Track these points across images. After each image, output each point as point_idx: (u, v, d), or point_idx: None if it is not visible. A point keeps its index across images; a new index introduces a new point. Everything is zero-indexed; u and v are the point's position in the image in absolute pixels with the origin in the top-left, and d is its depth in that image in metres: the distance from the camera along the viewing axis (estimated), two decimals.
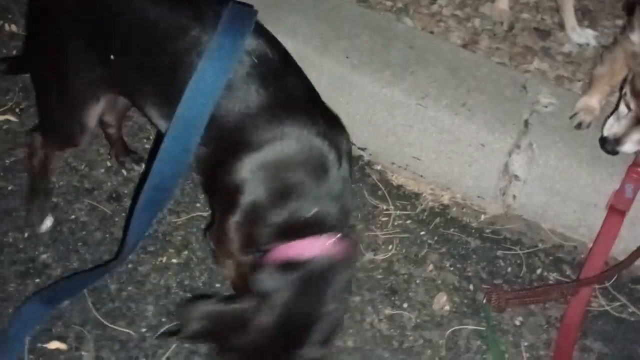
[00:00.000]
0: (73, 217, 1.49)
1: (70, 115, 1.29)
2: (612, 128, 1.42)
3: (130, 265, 1.41)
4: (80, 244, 1.45)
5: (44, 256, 1.42)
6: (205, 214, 1.51)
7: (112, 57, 1.18)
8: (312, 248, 1.09)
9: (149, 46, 1.15)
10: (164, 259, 1.43)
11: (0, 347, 1.22)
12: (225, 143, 1.11)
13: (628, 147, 1.41)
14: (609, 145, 1.42)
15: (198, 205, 1.52)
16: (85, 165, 1.58)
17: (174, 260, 1.43)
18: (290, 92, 1.15)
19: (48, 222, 1.45)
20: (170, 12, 1.14)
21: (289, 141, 1.09)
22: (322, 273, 1.09)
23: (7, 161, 1.54)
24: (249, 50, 1.12)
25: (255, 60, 1.12)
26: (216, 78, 1.09)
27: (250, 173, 1.08)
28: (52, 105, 1.31)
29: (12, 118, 1.61)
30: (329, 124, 1.14)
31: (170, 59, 1.13)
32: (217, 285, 1.39)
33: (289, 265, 1.08)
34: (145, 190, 1.16)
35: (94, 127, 1.32)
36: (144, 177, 1.33)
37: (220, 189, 1.15)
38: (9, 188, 1.49)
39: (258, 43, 1.14)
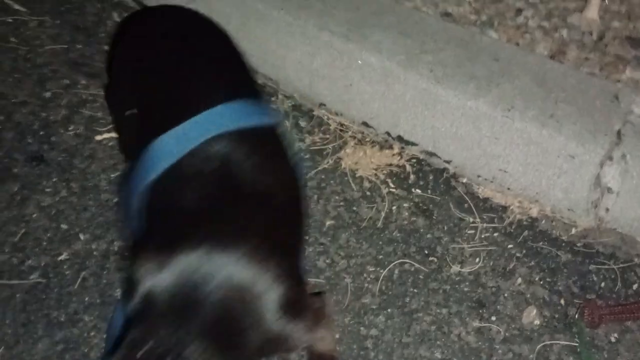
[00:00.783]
0: None
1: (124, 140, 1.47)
2: None
3: None
4: None
5: None
6: None
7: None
8: None
9: (161, 113, 1.20)
10: None
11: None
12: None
13: None
14: None
15: None
16: None
17: None
18: (224, 218, 0.99)
19: None
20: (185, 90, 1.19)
21: (183, 256, 0.93)
22: None
23: (112, 175, 1.64)
24: (218, 153, 1.04)
25: (216, 165, 1.03)
26: (158, 159, 1.06)
27: None
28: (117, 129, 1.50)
29: (116, 135, 1.72)
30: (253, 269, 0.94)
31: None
32: None
33: None
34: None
35: None
36: None
37: None
38: (114, 200, 1.60)
39: (236, 152, 1.04)
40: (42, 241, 1.50)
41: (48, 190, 1.60)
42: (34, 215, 1.54)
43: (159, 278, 0.91)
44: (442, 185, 1.65)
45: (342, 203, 1.61)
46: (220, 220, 0.98)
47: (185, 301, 0.90)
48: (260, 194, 1.04)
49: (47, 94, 1.83)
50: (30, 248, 1.48)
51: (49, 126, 1.74)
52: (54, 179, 1.62)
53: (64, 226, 1.53)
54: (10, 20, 2.04)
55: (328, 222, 1.56)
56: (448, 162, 1.68)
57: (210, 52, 1.32)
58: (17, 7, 2.08)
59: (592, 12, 1.81)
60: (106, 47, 1.96)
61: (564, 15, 1.84)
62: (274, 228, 1.03)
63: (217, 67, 1.27)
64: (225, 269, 0.92)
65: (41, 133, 1.72)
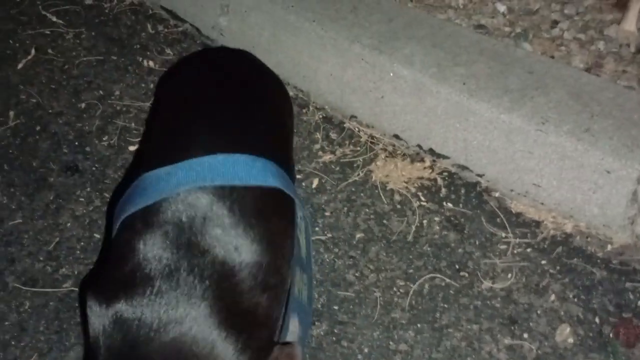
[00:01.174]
0: None
1: None
2: None
3: None
4: None
5: None
6: (323, 237, 1.55)
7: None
8: None
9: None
10: None
11: None
12: None
13: None
14: None
15: (317, 229, 1.57)
16: None
17: None
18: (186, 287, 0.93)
19: None
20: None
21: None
22: None
23: None
24: (198, 205, 0.98)
25: (191, 216, 0.97)
26: (140, 194, 1.02)
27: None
28: None
29: None
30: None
31: None
32: (335, 307, 1.42)
33: None
34: None
35: None
36: None
37: None
38: None
39: (219, 208, 0.98)
40: (75, 250, 1.52)
41: (82, 199, 1.62)
42: (68, 225, 1.57)
43: (106, 326, 0.90)
44: (474, 200, 1.63)
45: (372, 216, 1.60)
46: (178, 276, 0.93)
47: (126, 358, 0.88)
48: (231, 257, 0.98)
49: (82, 105, 1.86)
50: (64, 257, 1.50)
51: (84, 136, 1.77)
52: (88, 189, 1.64)
53: (97, 235, 1.55)
54: (48, 32, 2.09)
55: (358, 235, 1.56)
56: (480, 175, 1.66)
57: (245, 102, 1.25)
58: (54, 19, 2.13)
59: (630, 24, 1.78)
60: (140, 59, 1.99)
61: (600, 27, 1.81)
62: (237, 296, 0.97)
63: (240, 116, 1.21)
64: (172, 331, 0.89)
65: (76, 143, 1.75)
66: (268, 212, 1.07)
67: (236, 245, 0.98)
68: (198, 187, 1.00)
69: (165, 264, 0.94)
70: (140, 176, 1.08)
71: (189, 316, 0.89)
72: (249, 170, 1.06)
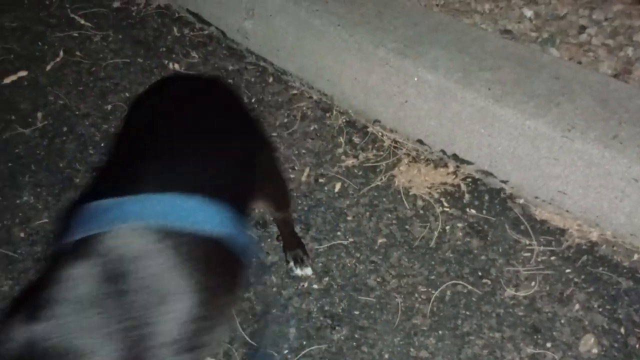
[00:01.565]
0: None
1: None
2: None
3: (275, 289, 1.48)
4: None
5: None
6: (345, 242, 1.55)
7: None
8: None
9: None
10: (306, 284, 1.49)
11: None
12: None
13: None
14: None
15: (339, 233, 1.57)
16: None
17: (315, 286, 1.48)
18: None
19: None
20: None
21: None
22: None
23: None
24: (131, 245, 0.92)
25: (119, 256, 0.91)
26: (77, 225, 0.96)
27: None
28: None
29: None
30: None
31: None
32: (356, 312, 1.42)
33: None
34: None
35: None
36: None
37: None
38: None
39: (153, 252, 0.92)
40: None
41: None
42: None
43: (18, 345, 0.86)
44: (497, 206, 1.62)
45: (394, 221, 1.59)
46: (100, 311, 0.89)
47: None
48: (157, 304, 0.91)
49: (109, 107, 1.88)
50: None
51: (110, 138, 1.79)
52: None
53: None
54: (76, 35, 2.12)
55: (380, 240, 1.55)
56: (505, 182, 1.64)
57: (208, 137, 1.17)
58: (82, 22, 2.16)
59: None
60: (166, 61, 2.01)
61: (629, 33, 1.78)
62: (150, 350, 0.90)
63: (201, 153, 1.12)
64: None
65: (102, 145, 1.77)
66: (212, 263, 0.99)
67: (166, 293, 0.92)
68: (140, 225, 0.95)
69: (92, 296, 0.89)
70: (86, 204, 1.01)
71: (94, 356, 0.85)
72: (200, 213, 1.00)
